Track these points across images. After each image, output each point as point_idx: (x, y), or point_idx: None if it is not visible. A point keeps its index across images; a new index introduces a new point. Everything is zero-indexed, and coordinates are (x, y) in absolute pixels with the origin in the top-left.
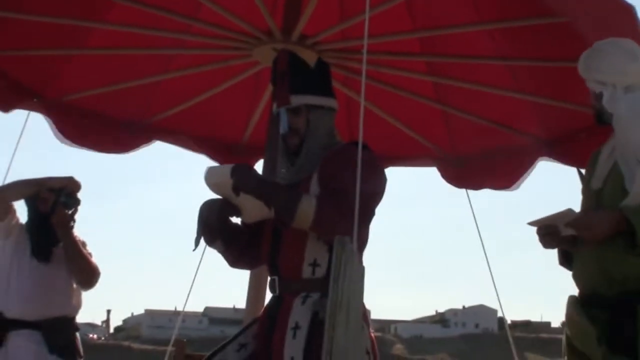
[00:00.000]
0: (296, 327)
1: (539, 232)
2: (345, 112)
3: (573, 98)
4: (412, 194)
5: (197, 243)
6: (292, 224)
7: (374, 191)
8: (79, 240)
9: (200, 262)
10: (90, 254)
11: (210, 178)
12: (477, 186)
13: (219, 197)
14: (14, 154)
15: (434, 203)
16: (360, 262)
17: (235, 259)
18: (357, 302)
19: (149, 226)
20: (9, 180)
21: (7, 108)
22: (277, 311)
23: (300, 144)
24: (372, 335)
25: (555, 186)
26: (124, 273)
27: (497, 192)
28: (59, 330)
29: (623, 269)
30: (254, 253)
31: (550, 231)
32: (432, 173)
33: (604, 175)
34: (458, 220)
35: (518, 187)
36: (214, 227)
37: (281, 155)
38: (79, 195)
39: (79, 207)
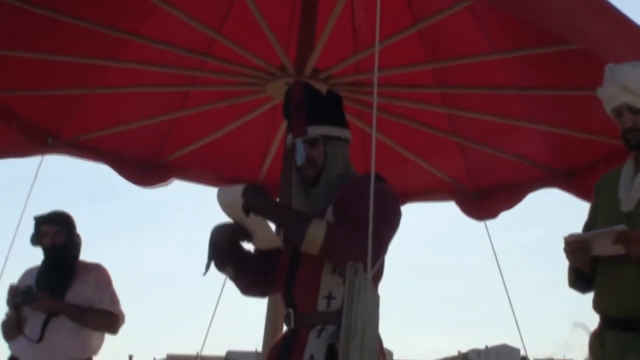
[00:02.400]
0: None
1: (571, 247)
2: (360, 146)
3: (590, 127)
4: (433, 236)
5: (207, 267)
6: (301, 247)
7: (389, 223)
8: (98, 279)
9: (217, 305)
10: (115, 300)
11: (222, 198)
12: (493, 215)
13: (230, 221)
14: (26, 201)
15: (456, 244)
16: (375, 291)
17: (247, 287)
18: (372, 330)
19: (171, 269)
20: (20, 230)
21: (21, 152)
22: (292, 344)
23: (318, 175)
24: None
25: (578, 222)
26: (145, 317)
27: (518, 233)
28: None
29: None
30: (267, 280)
31: (583, 247)
32: (453, 214)
33: (638, 198)
34: (480, 260)
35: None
36: (224, 251)
37: (296, 188)
38: None
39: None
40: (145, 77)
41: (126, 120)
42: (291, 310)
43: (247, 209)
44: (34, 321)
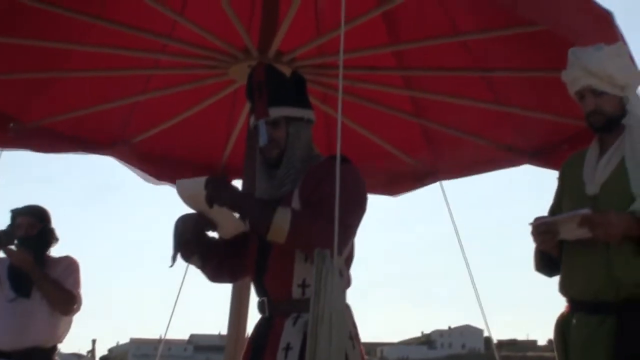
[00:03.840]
0: (288, 348)
1: (538, 230)
2: (324, 129)
3: (552, 109)
4: (395, 216)
5: (174, 259)
6: (267, 237)
7: (355, 205)
8: (66, 265)
9: (180, 290)
10: (77, 285)
11: (184, 191)
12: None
13: (193, 211)
14: None
15: (418, 223)
16: (346, 275)
17: (214, 274)
18: (339, 316)
19: (133, 254)
20: None
21: None
22: (268, 333)
23: (280, 156)
24: (364, 355)
25: (542, 203)
26: (108, 302)
27: (482, 212)
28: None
29: (633, 274)
30: (234, 267)
31: (551, 229)
32: (415, 193)
33: (602, 181)
34: (442, 240)
35: None
36: (189, 242)
37: (260, 169)
38: None
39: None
40: (107, 61)
41: (88, 104)
42: (265, 299)
43: (211, 201)
44: (2, 292)
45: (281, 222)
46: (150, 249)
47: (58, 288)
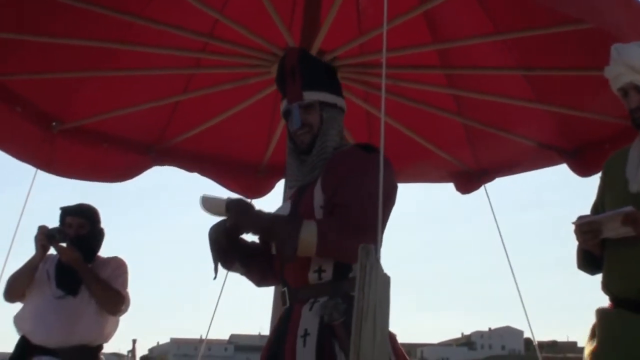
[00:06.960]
0: (306, 335)
1: (581, 229)
2: (366, 128)
3: (594, 108)
4: (436, 216)
5: (216, 270)
6: (298, 253)
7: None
8: (115, 266)
9: (222, 289)
10: (125, 286)
11: (207, 208)
12: (490, 180)
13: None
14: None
15: (460, 224)
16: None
17: (259, 279)
18: (383, 311)
19: (174, 254)
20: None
21: (27, 138)
22: (288, 321)
23: (312, 142)
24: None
25: (584, 206)
26: (149, 301)
27: (524, 214)
28: (78, 358)
29: None
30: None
31: (594, 228)
32: (456, 194)
33: None
34: (483, 240)
35: None
36: (226, 249)
37: (290, 156)
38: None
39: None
40: (148, 60)
41: (128, 104)
42: (285, 289)
43: (236, 230)
44: (50, 289)
45: (308, 240)
46: (191, 247)
47: (107, 288)
